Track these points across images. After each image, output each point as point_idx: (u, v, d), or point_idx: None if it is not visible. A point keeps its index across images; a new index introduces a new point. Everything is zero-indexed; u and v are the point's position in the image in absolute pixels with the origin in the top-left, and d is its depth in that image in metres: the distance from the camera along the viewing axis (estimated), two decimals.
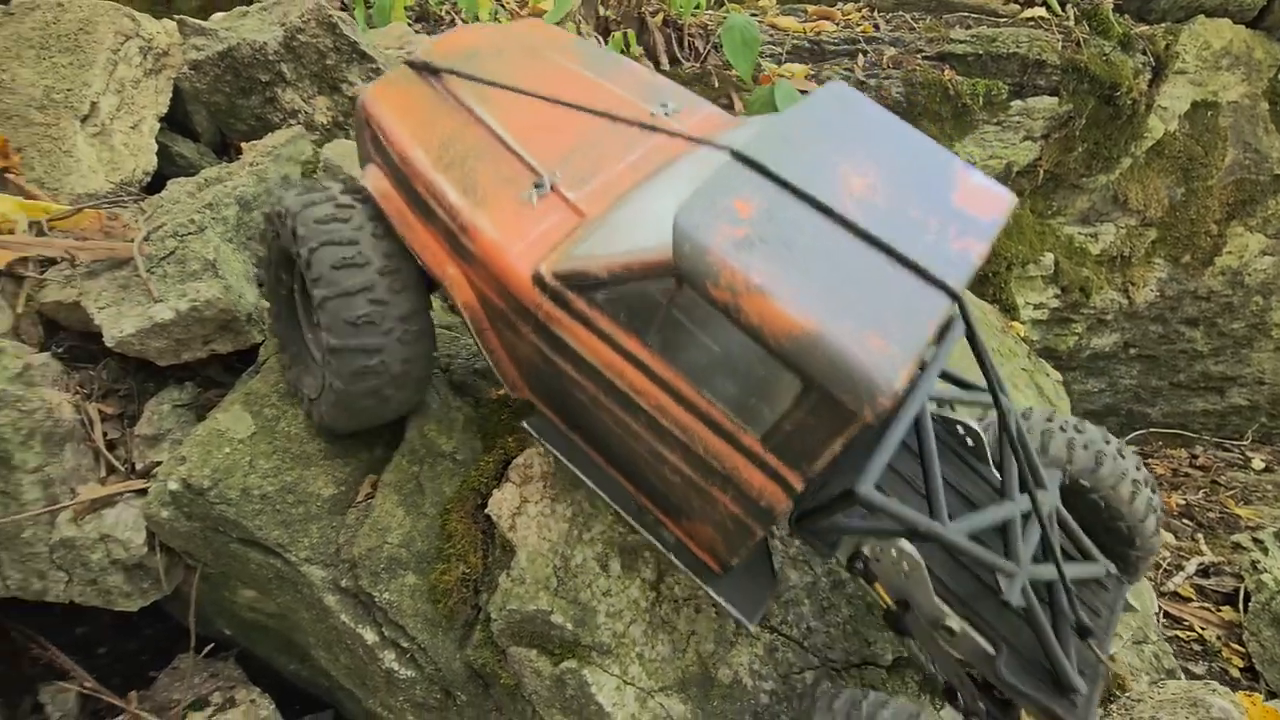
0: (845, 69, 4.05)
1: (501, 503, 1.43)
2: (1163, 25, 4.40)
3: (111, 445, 1.60)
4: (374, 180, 1.30)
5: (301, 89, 2.36)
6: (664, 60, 3.81)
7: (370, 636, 1.44)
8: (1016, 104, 4.24)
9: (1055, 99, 4.21)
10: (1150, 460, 4.55)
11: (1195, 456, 4.71)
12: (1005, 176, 4.15)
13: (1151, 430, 5.03)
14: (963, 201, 1.04)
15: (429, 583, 1.44)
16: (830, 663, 1.56)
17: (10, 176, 2.05)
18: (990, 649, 1.15)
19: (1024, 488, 1.17)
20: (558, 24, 3.37)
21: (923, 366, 1.10)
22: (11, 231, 1.83)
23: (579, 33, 3.64)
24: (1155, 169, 4.67)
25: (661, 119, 1.34)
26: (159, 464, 1.59)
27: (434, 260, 1.24)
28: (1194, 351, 4.93)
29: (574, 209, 1.21)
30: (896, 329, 0.90)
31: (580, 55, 1.46)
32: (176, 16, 2.32)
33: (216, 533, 1.46)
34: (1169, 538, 3.40)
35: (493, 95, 1.34)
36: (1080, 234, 4.61)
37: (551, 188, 1.22)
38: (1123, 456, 1.39)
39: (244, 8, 2.46)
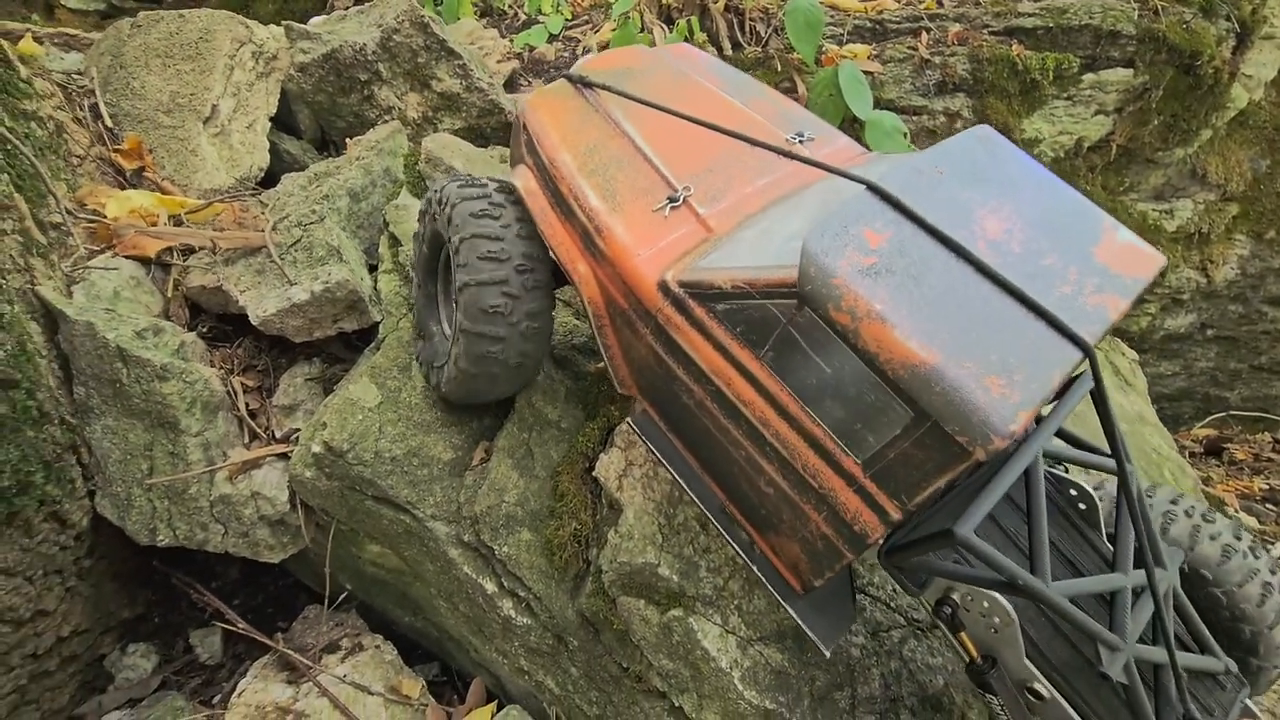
0: (909, 47, 4.02)
1: (608, 466, 1.55)
2: None
3: (253, 414, 1.78)
4: (523, 179, 1.42)
5: (395, 86, 2.52)
6: (726, 46, 3.86)
7: (490, 586, 1.58)
8: (1089, 77, 4.12)
9: (1130, 71, 4.07)
10: (1230, 445, 4.41)
11: (1278, 441, 4.53)
12: (1076, 152, 4.06)
13: (1230, 414, 4.85)
14: (1106, 257, 1.00)
15: (543, 538, 1.57)
16: (915, 623, 1.63)
17: (147, 174, 2.27)
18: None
19: (1139, 562, 1.09)
20: (623, 15, 3.45)
21: (1040, 418, 1.06)
22: (155, 224, 2.04)
23: (642, 21, 3.72)
24: (1238, 140, 4.48)
25: (797, 146, 1.38)
26: (296, 431, 1.77)
27: (568, 256, 1.33)
28: (1277, 332, 4.73)
29: (703, 224, 1.26)
30: (1020, 374, 0.88)
31: (723, 78, 1.55)
32: (284, 22, 2.50)
33: (353, 491, 1.62)
34: (1251, 521, 3.32)
35: (637, 110, 1.43)
36: (1155, 210, 4.46)
37: (684, 201, 1.28)
38: (1255, 555, 1.30)
39: (342, 11, 2.63)
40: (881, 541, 1.06)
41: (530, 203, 1.38)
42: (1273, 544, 3.08)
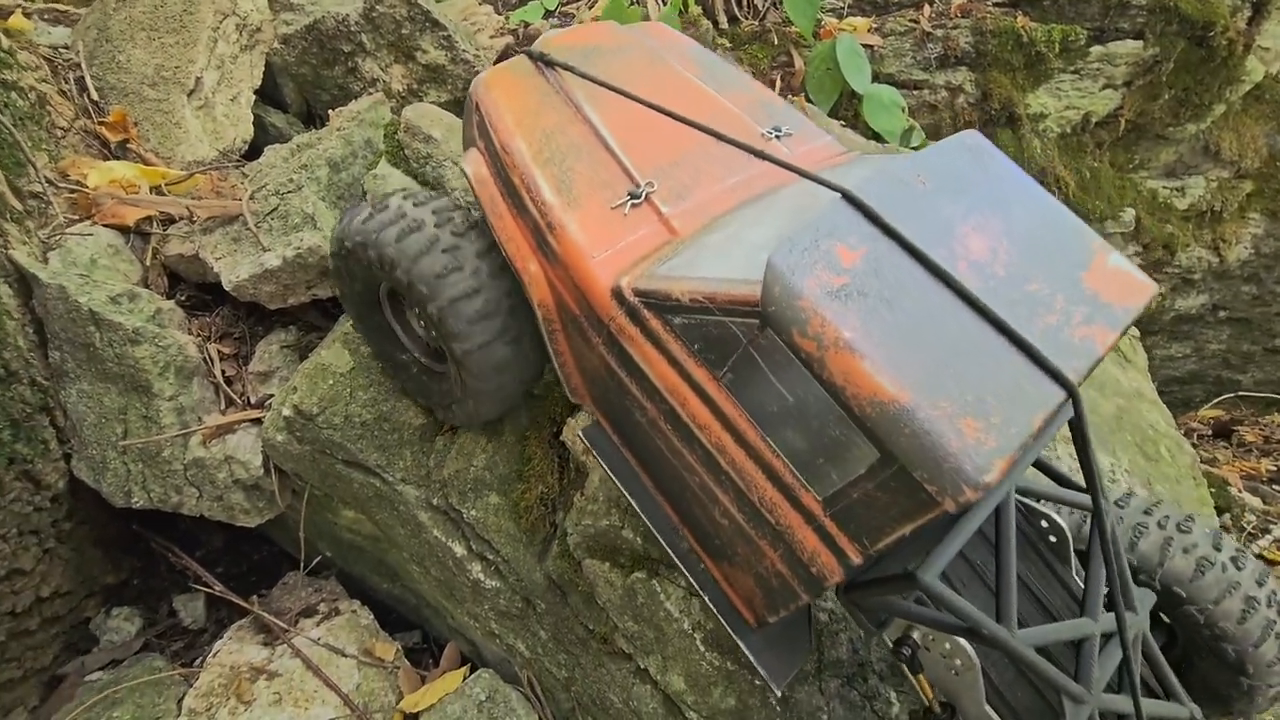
0: (910, 20, 3.94)
1: (575, 430, 1.54)
2: None
3: (229, 380, 1.79)
4: (473, 165, 1.31)
5: (379, 58, 2.50)
6: (723, 19, 3.80)
7: (459, 550, 1.59)
8: (1096, 50, 4.01)
9: (1140, 43, 3.97)
10: (1240, 427, 4.33)
11: None
12: (1083, 128, 3.97)
13: (1240, 395, 4.76)
14: (1095, 284, 0.93)
15: (511, 501, 1.57)
16: None
17: (131, 146, 2.27)
18: None
19: (1110, 605, 1.03)
20: None
21: None
22: (136, 194, 2.05)
23: None
24: (1253, 116, 4.36)
25: (773, 144, 1.29)
26: (270, 397, 1.77)
27: (518, 254, 1.22)
28: None
29: (666, 224, 1.17)
30: (998, 417, 0.81)
31: (700, 64, 1.45)
32: None
33: (324, 455, 1.63)
34: (1255, 502, 3.27)
35: (603, 95, 1.31)
36: (1165, 188, 4.36)
37: (646, 198, 1.18)
38: (1237, 566, 1.19)
39: None
40: (840, 581, 0.99)
41: (480, 191, 1.27)
42: (1276, 524, 3.02)
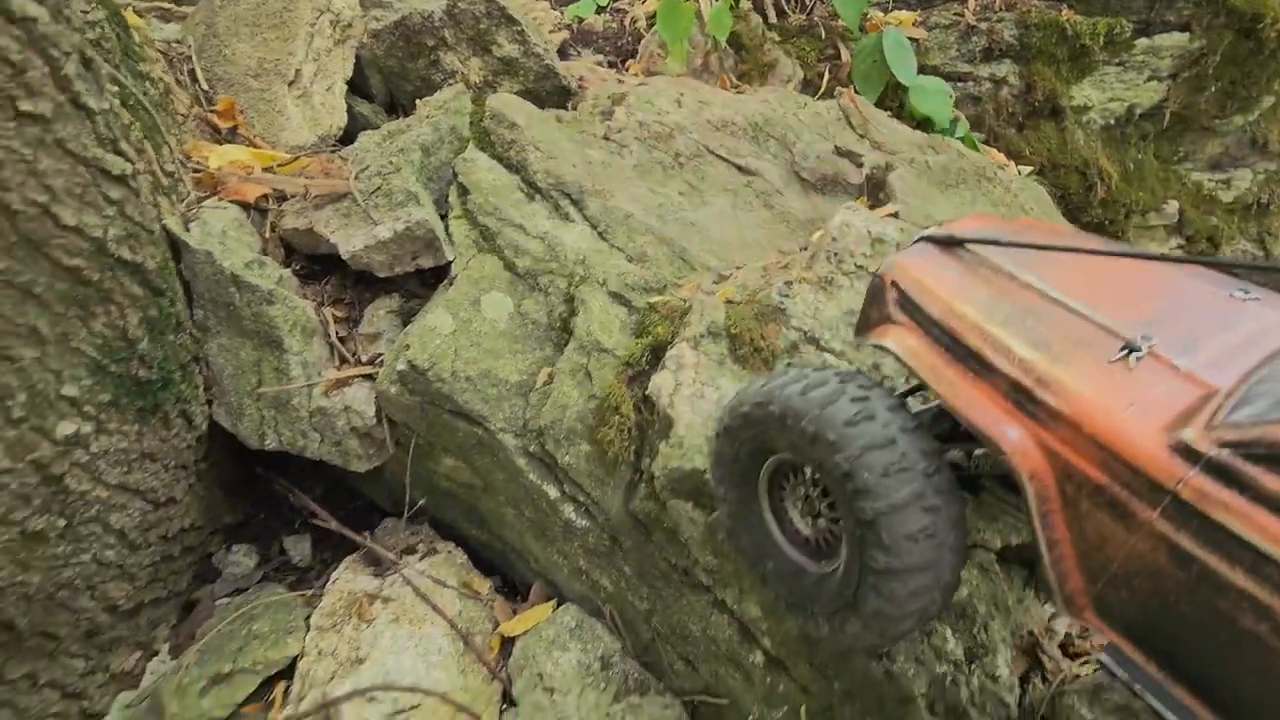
0: (955, 13, 4.03)
1: (660, 385, 1.71)
2: None
3: (342, 340, 2.00)
4: (897, 340, 1.22)
5: (459, 51, 2.70)
6: (771, 14, 3.93)
7: (553, 492, 1.77)
8: (1142, 42, 4.05)
9: (1186, 35, 3.99)
10: None
11: None
12: (1127, 120, 4.02)
13: None
14: None
15: (600, 449, 1.74)
16: None
17: (240, 132, 2.50)
18: None
19: None
20: None
21: None
22: (251, 174, 2.27)
23: None
24: None
25: (1250, 303, 1.09)
26: (380, 355, 1.98)
27: (987, 420, 1.04)
28: None
29: (1189, 378, 0.95)
30: None
31: (1103, 242, 1.36)
32: None
33: (432, 405, 1.82)
34: None
35: (1034, 261, 1.20)
36: (1210, 180, 4.37)
37: (1149, 352, 1.00)
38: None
39: None
40: None
41: (915, 363, 1.17)
42: None
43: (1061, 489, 0.98)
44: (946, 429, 1.20)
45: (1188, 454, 0.86)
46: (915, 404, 1.34)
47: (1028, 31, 3.90)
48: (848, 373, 1.21)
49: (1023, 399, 1.03)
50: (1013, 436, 1.01)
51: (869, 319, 1.34)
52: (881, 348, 1.27)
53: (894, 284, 1.29)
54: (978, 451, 1.11)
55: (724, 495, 1.39)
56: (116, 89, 1.77)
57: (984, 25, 3.90)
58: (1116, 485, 0.91)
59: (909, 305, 1.25)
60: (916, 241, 1.36)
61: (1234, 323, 1.06)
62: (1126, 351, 1.01)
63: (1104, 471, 0.92)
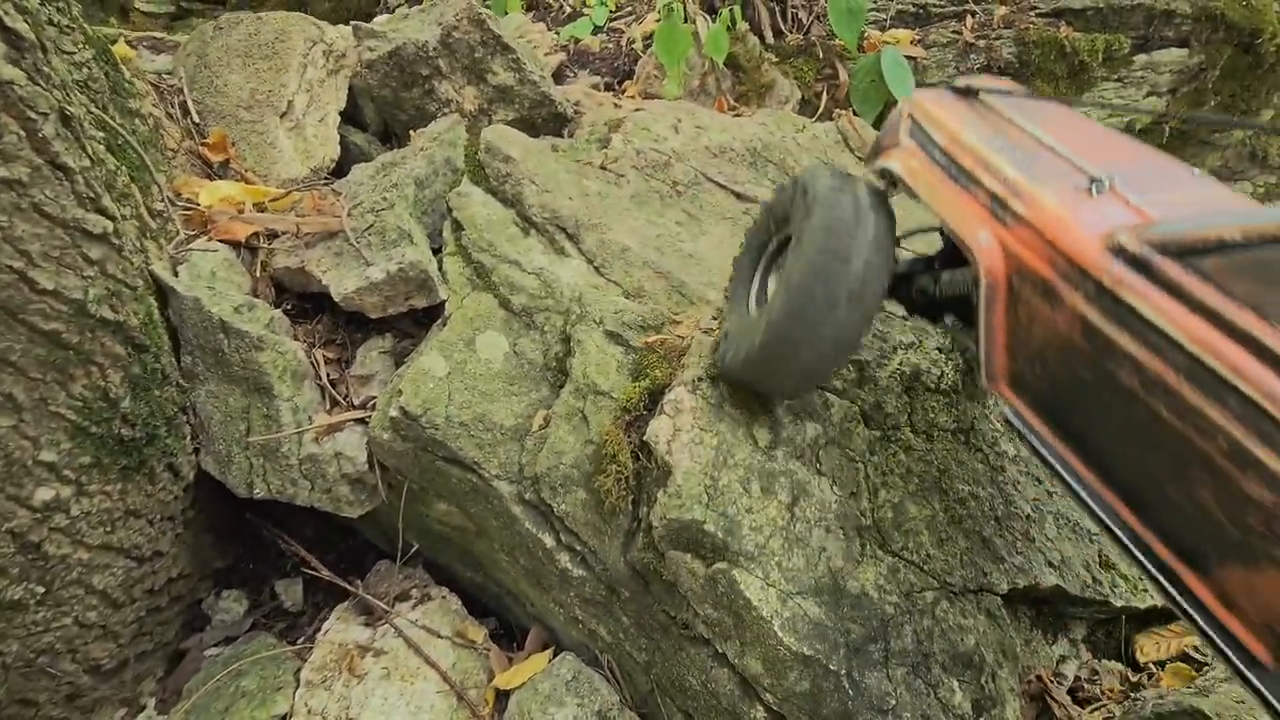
0: (953, 31, 4.01)
1: (658, 431, 1.67)
2: None
3: (333, 383, 1.96)
4: (901, 159, 1.43)
5: (454, 80, 2.67)
6: (769, 34, 3.91)
7: (549, 541, 1.73)
8: (1140, 58, 4.04)
9: (1184, 50, 3.98)
10: None
11: None
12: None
13: None
14: None
15: (597, 497, 1.70)
16: (949, 586, 1.72)
17: (231, 166, 2.47)
18: None
19: None
20: (666, 6, 3.55)
21: None
22: (242, 211, 2.23)
23: (685, 12, 3.80)
24: None
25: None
26: (372, 399, 1.94)
27: (966, 226, 1.24)
28: None
29: (1139, 211, 1.13)
30: None
31: (1097, 123, 1.52)
32: (352, 23, 2.67)
33: (425, 452, 1.78)
34: None
35: (1033, 113, 1.39)
36: None
37: (1110, 187, 1.18)
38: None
39: (405, 10, 2.79)
40: None
41: (911, 179, 1.38)
42: None
43: (1010, 281, 1.18)
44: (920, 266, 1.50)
45: (1118, 251, 1.03)
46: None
47: (1026, 49, 3.88)
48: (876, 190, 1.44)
49: (998, 207, 1.23)
50: (982, 237, 1.22)
51: (881, 146, 1.57)
52: (886, 169, 1.45)
53: (909, 115, 1.50)
54: (945, 276, 1.28)
55: (735, 267, 1.73)
56: (103, 133, 1.74)
57: (982, 43, 3.88)
58: (1055, 276, 1.10)
59: (919, 133, 1.46)
60: (939, 87, 1.59)
61: (1184, 187, 1.24)
62: (1092, 184, 1.20)
63: (1049, 265, 1.11)
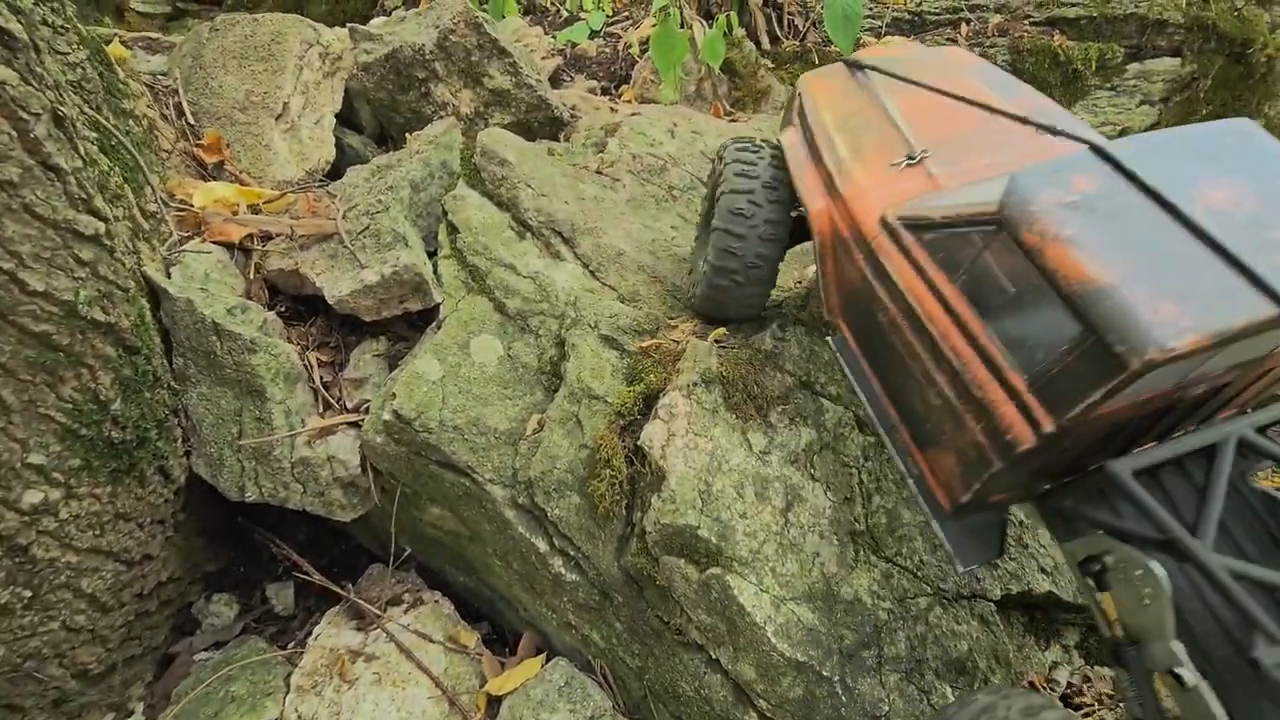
0: (948, 39, 4.03)
1: (653, 435, 1.67)
2: None
3: (326, 386, 1.95)
4: (788, 136, 1.73)
5: (450, 84, 2.67)
6: (765, 40, 3.92)
7: (542, 545, 1.72)
8: (1133, 67, 4.06)
9: (1177, 60, 4.01)
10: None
11: None
12: None
13: None
14: None
15: (591, 502, 1.69)
16: (942, 591, 1.72)
17: (226, 167, 2.46)
18: (1224, 718, 0.98)
19: None
20: (662, 10, 3.56)
21: (1245, 410, 1.06)
22: (236, 213, 2.23)
23: (681, 17, 3.82)
24: None
25: (1048, 136, 1.43)
26: (365, 402, 1.93)
27: (810, 195, 1.56)
28: None
29: (933, 181, 1.40)
30: (1196, 308, 0.86)
31: (990, 78, 1.67)
32: (349, 25, 2.67)
33: (419, 456, 1.77)
34: None
35: (897, 88, 1.63)
36: None
37: (920, 161, 1.44)
38: None
39: (402, 13, 2.79)
40: (1031, 449, 1.05)
41: (790, 153, 1.67)
42: None
43: (832, 241, 1.53)
44: None
45: (883, 223, 1.35)
46: None
47: (1020, 57, 3.90)
48: (775, 145, 1.77)
49: (830, 183, 1.55)
50: (817, 205, 1.55)
51: (787, 119, 1.84)
52: (779, 143, 1.74)
53: (799, 93, 1.79)
54: None
55: (697, 230, 2.05)
56: (96, 134, 1.73)
57: (977, 51, 3.90)
58: (851, 240, 1.45)
59: (800, 111, 1.74)
60: (836, 63, 1.83)
61: (1009, 150, 1.43)
62: (906, 159, 1.46)
63: (849, 231, 1.46)
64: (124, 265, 1.49)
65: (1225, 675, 1.02)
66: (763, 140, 1.78)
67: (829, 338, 1.58)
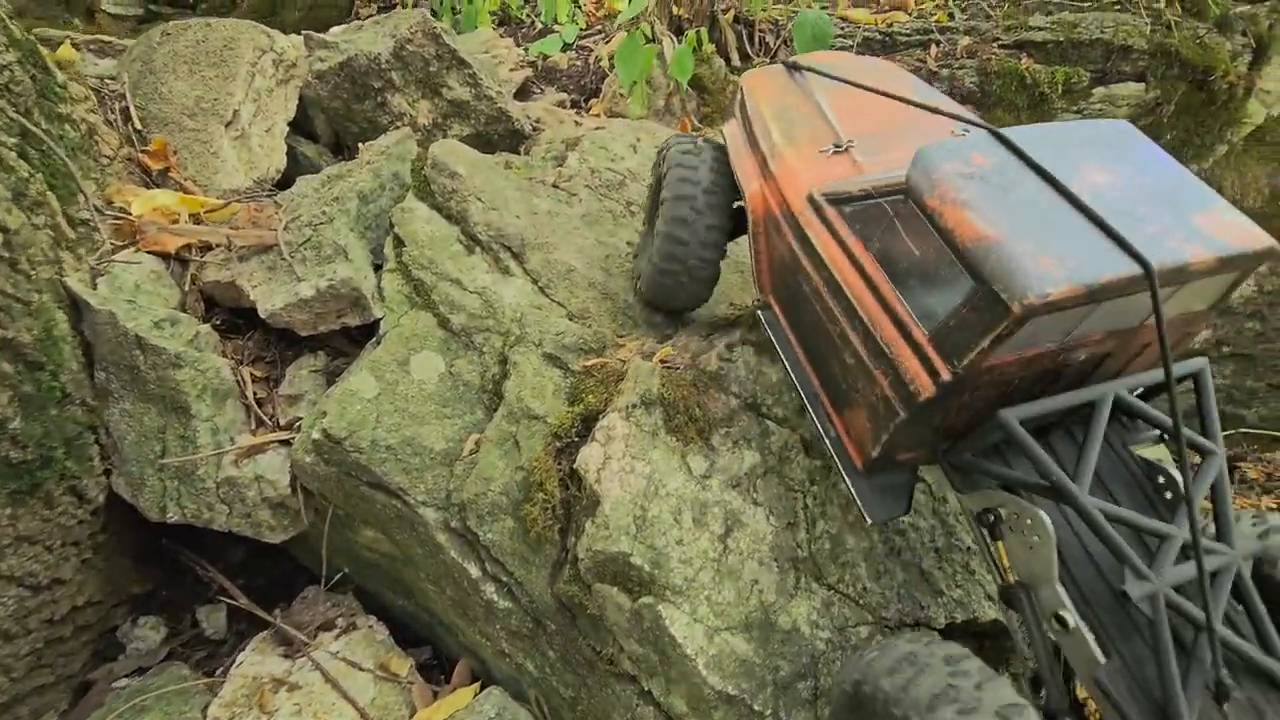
0: (918, 59, 4.06)
1: (589, 459, 1.62)
2: (1265, 3, 4.18)
3: (260, 403, 1.89)
4: (729, 127, 1.83)
5: (407, 94, 2.63)
6: (735, 57, 3.93)
7: (474, 571, 1.66)
8: (1099, 91, 4.11)
9: (1141, 85, 4.07)
10: (1243, 464, 4.35)
11: None
12: None
13: (1243, 432, 4.78)
14: (1203, 223, 1.05)
15: (525, 526, 1.64)
16: (884, 620, 1.68)
17: (171, 175, 2.40)
18: (1100, 656, 1.06)
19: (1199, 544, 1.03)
20: (631, 22, 3.55)
21: (1114, 364, 1.14)
22: (176, 221, 2.16)
23: (652, 32, 3.81)
24: (1254, 156, 4.44)
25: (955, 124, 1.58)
26: (299, 419, 1.87)
27: (746, 177, 1.66)
28: None
29: (857, 167, 1.53)
30: (1071, 263, 0.99)
31: (914, 85, 1.83)
32: (304, 32, 2.63)
33: (349, 476, 1.71)
34: None
35: (830, 89, 1.76)
36: None
37: (846, 149, 1.57)
38: None
39: (359, 22, 2.75)
40: (931, 398, 1.15)
41: (730, 143, 1.77)
42: None
43: (765, 220, 1.62)
44: None
45: (810, 200, 1.45)
46: None
47: (988, 79, 3.94)
48: (707, 142, 1.85)
49: (764, 167, 1.64)
50: (752, 187, 1.64)
51: (729, 113, 1.91)
52: (720, 133, 1.83)
53: (741, 89, 1.88)
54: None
55: (649, 201, 2.05)
56: (17, 139, 1.67)
57: (945, 72, 3.93)
58: (782, 217, 1.54)
59: (741, 105, 1.84)
60: (777, 64, 1.93)
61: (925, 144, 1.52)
62: (833, 147, 1.58)
63: (780, 209, 1.55)
64: (28, 277, 1.43)
65: (1102, 616, 1.12)
66: (704, 140, 1.84)
67: (759, 311, 1.66)
